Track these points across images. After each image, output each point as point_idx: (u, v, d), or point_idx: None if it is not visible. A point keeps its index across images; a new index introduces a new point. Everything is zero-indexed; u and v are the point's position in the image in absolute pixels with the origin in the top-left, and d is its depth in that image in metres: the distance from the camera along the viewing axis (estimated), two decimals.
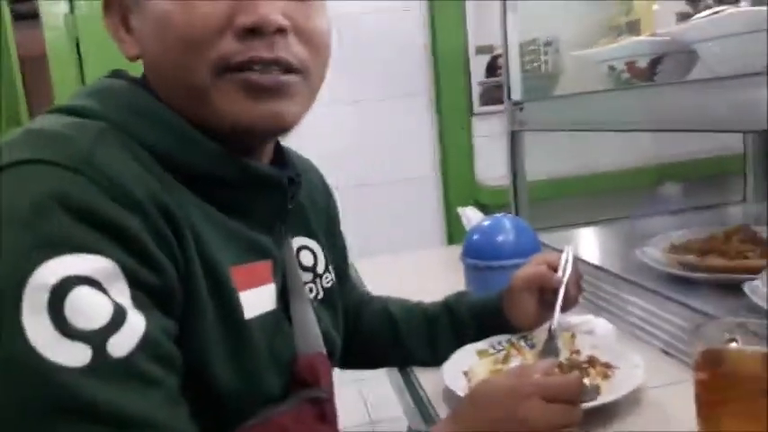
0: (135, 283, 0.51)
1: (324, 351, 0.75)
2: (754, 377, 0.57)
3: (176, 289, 0.56)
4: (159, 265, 0.54)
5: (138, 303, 0.51)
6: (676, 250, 1.07)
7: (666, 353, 0.92)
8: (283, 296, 0.72)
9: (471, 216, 1.27)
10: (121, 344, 0.49)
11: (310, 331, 0.74)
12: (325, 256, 0.84)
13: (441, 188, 3.22)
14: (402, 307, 1.00)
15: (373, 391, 2.69)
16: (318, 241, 0.84)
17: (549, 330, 0.90)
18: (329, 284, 0.84)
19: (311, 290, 0.81)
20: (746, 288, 0.85)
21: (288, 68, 0.62)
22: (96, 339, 0.48)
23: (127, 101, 0.62)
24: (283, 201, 0.71)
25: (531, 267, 0.94)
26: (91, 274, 0.49)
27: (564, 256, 0.93)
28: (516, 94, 1.34)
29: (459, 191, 3.11)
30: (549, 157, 1.76)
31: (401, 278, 1.40)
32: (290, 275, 0.74)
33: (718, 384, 0.58)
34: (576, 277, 0.94)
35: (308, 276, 0.81)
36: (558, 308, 0.90)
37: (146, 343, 0.50)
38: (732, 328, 0.61)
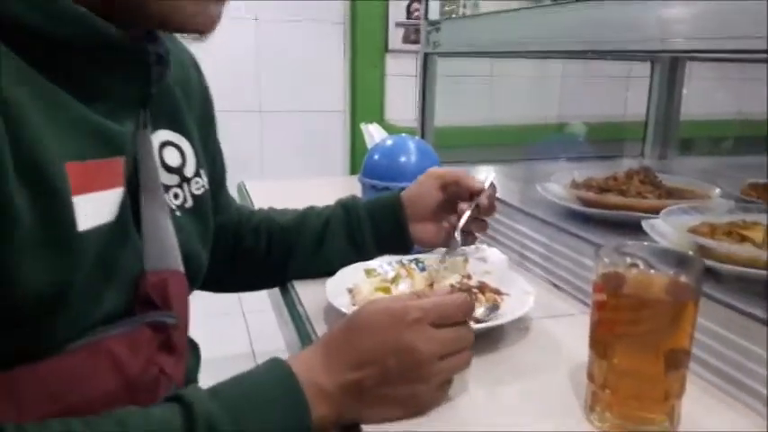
0: None
1: (181, 269, 0.63)
2: (653, 301, 0.54)
3: None
4: None
5: None
6: (577, 187, 1.04)
7: (557, 287, 0.89)
8: (134, 201, 0.59)
9: (374, 133, 1.19)
10: None
11: (165, 245, 0.62)
12: (196, 158, 0.72)
13: (348, 123, 3.14)
14: (288, 215, 0.92)
15: (257, 321, 2.63)
16: (190, 139, 0.71)
17: (455, 231, 0.85)
18: (200, 191, 0.72)
19: (176, 196, 0.68)
20: (645, 225, 0.83)
21: None
22: None
23: None
24: (146, 81, 0.59)
25: (448, 169, 0.88)
26: None
27: (485, 174, 0.88)
28: (434, 14, 1.26)
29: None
30: (456, 108, 1.72)
31: (293, 202, 1.31)
32: (145, 176, 0.62)
33: (615, 306, 0.54)
34: (493, 195, 0.88)
35: (172, 179, 0.68)
36: (467, 212, 0.85)
37: None
38: (634, 253, 0.57)
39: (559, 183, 1.07)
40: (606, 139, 2.13)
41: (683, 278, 0.54)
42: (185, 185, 0.70)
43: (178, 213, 0.67)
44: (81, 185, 0.50)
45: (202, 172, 0.73)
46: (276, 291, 0.95)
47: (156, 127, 0.66)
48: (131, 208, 0.58)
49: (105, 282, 0.54)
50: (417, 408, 0.57)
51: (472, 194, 0.86)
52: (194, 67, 0.79)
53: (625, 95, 2.92)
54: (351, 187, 0.93)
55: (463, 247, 0.91)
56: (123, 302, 0.57)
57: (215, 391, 0.51)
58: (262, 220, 0.92)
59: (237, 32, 2.75)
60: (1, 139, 0.44)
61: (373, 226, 0.89)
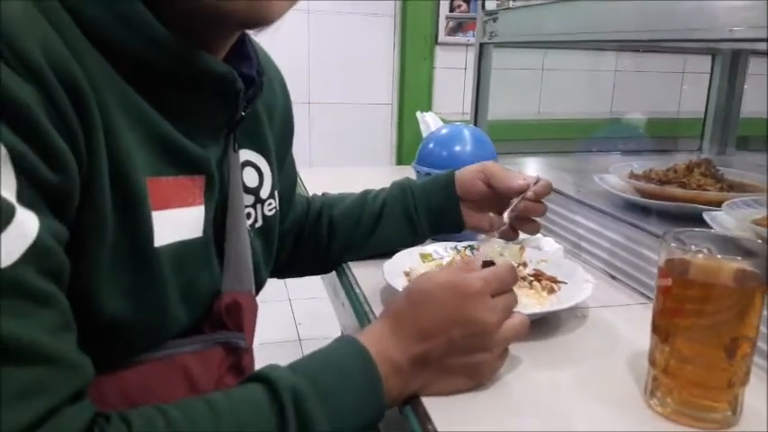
0: (25, 175, 0.39)
1: (253, 290, 0.65)
2: (719, 287, 0.53)
3: (76, 190, 0.43)
4: (59, 157, 0.41)
5: (26, 200, 0.39)
6: (636, 178, 1.03)
7: (614, 277, 0.88)
8: (216, 221, 0.60)
9: (430, 122, 1.19)
10: (6, 251, 0.37)
11: (243, 268, 0.63)
12: (272, 179, 0.73)
13: (395, 115, 3.15)
14: (347, 199, 0.94)
15: (304, 309, 2.67)
16: (269, 160, 0.72)
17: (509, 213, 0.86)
18: (271, 212, 0.73)
19: (249, 215, 0.69)
20: (706, 216, 0.82)
21: None
22: None
23: None
24: (235, 106, 0.59)
25: (493, 165, 0.88)
26: None
27: (535, 173, 0.88)
28: (491, 5, 1.26)
29: (413, 120, 3.05)
30: (508, 101, 1.71)
31: (346, 189, 1.33)
32: (233, 199, 0.63)
33: (680, 292, 0.54)
34: (542, 194, 0.87)
35: (248, 199, 0.69)
36: (515, 202, 0.85)
37: (35, 250, 0.39)
38: (699, 240, 0.57)
39: (618, 174, 1.05)
40: (660, 135, 2.09)
41: (750, 266, 0.53)
42: (259, 206, 0.71)
43: (250, 234, 0.68)
44: (159, 201, 0.51)
45: (276, 193, 0.74)
46: (332, 274, 0.97)
47: (240, 146, 0.66)
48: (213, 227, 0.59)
49: (181, 298, 0.55)
50: (480, 377, 0.58)
51: (518, 192, 0.86)
52: (280, 87, 0.79)
53: (679, 91, 2.86)
54: (401, 176, 0.94)
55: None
56: (195, 320, 0.58)
57: (294, 367, 0.52)
58: (321, 207, 0.94)
59: (290, 24, 2.77)
60: (100, 145, 0.45)
61: (426, 200, 0.90)
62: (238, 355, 0.61)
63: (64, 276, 0.43)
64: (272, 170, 0.73)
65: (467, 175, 0.89)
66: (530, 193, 0.86)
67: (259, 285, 0.71)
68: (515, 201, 0.86)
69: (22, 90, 0.39)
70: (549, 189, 0.87)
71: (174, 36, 0.50)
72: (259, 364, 0.57)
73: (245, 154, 0.69)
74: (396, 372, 0.55)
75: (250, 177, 0.70)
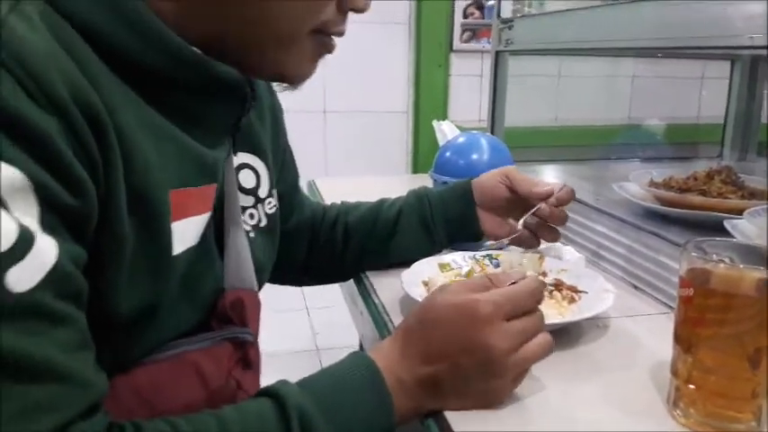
0: (47, 203, 0.41)
1: (255, 288, 0.67)
2: (741, 297, 0.53)
3: (94, 213, 0.45)
4: (78, 184, 0.43)
5: (47, 226, 0.41)
6: (656, 186, 1.03)
7: (635, 287, 0.88)
8: (215, 223, 0.62)
9: (447, 131, 1.20)
10: (25, 277, 0.39)
11: (243, 266, 0.65)
12: (269, 178, 0.75)
13: (410, 123, 3.15)
14: (362, 208, 0.94)
15: (321, 318, 2.67)
16: (265, 160, 0.74)
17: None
18: (272, 210, 0.75)
19: (252, 216, 0.71)
20: (727, 224, 0.81)
21: None
22: None
23: None
24: (242, 110, 0.61)
25: (516, 171, 0.88)
26: None
27: (558, 181, 0.88)
28: (506, 12, 1.26)
29: (429, 128, 3.05)
30: (524, 108, 1.70)
31: (362, 198, 1.34)
32: (230, 201, 0.65)
33: (702, 302, 0.54)
34: (564, 201, 0.86)
35: (248, 201, 0.71)
36: (535, 209, 0.85)
37: (54, 276, 0.41)
38: (721, 249, 0.57)
39: (637, 182, 1.05)
40: (679, 141, 2.07)
41: None
42: (260, 206, 0.73)
43: (252, 234, 0.70)
44: (179, 211, 0.53)
45: (274, 192, 0.76)
46: (350, 283, 0.97)
47: (235, 150, 0.68)
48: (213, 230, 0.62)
49: (188, 299, 0.58)
50: (496, 401, 0.57)
51: (542, 198, 0.86)
52: (265, 84, 0.80)
53: (698, 97, 2.83)
54: (417, 184, 0.95)
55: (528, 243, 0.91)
56: (202, 318, 0.61)
57: (304, 384, 0.53)
58: (337, 214, 0.94)
59: None
60: (117, 171, 0.47)
61: (443, 209, 0.90)
62: (245, 349, 0.63)
63: (82, 297, 0.45)
64: (268, 168, 0.75)
65: (488, 180, 0.89)
66: (553, 200, 0.85)
67: (264, 281, 0.73)
68: (536, 207, 0.85)
69: (46, 122, 0.41)
70: (572, 196, 0.87)
71: (187, 45, 0.52)
72: (277, 372, 0.58)
73: (241, 156, 0.71)
74: (404, 391, 0.55)
75: (247, 179, 0.72)
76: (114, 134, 0.46)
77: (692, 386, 0.55)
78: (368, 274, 0.91)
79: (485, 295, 0.56)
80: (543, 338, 0.57)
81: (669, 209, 0.95)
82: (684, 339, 0.55)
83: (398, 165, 3.16)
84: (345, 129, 3.05)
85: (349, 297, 1.06)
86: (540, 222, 0.87)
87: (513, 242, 0.90)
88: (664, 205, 0.97)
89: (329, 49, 0.60)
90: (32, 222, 0.40)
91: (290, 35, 0.55)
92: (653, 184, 1.04)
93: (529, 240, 0.89)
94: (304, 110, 2.83)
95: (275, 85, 0.76)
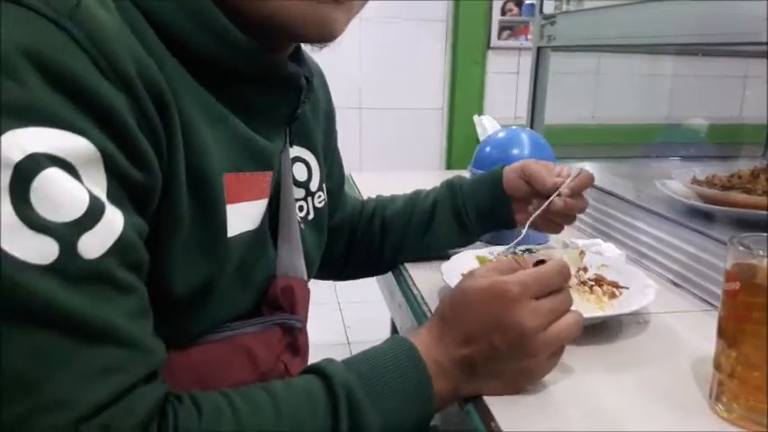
0: (114, 175, 0.43)
1: (305, 277, 0.69)
2: None
3: (157, 188, 0.47)
4: (144, 158, 0.45)
5: (114, 198, 0.43)
6: (699, 184, 1.02)
7: (676, 284, 0.87)
8: (270, 212, 0.64)
9: (487, 125, 1.20)
10: (94, 244, 0.41)
11: (295, 255, 0.67)
12: (320, 173, 0.77)
13: (446, 120, 3.15)
14: (398, 201, 0.95)
15: (352, 313, 2.70)
16: (317, 155, 0.76)
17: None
18: (321, 204, 0.77)
19: (301, 208, 0.73)
20: None
21: None
22: (66, 235, 0.39)
23: None
24: (297, 103, 0.63)
25: (529, 162, 0.88)
26: (65, 156, 0.40)
27: (575, 169, 0.86)
28: (549, 8, 1.26)
29: (463, 125, 3.05)
30: (562, 105, 1.68)
31: (398, 192, 1.35)
32: (285, 191, 0.67)
33: (747, 296, 0.54)
34: (580, 188, 0.85)
35: (299, 193, 0.73)
36: (540, 208, 0.84)
37: (120, 245, 0.42)
38: (766, 245, 0.56)
39: (680, 180, 1.04)
40: (721, 140, 2.03)
41: None
42: (310, 199, 0.75)
43: (302, 225, 0.72)
44: (234, 195, 0.55)
45: (324, 186, 0.78)
46: (387, 276, 0.98)
47: (291, 143, 0.70)
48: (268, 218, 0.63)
49: (242, 283, 0.60)
50: (532, 380, 0.59)
51: (553, 189, 0.84)
52: (321, 81, 0.82)
53: (740, 96, 2.78)
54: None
55: (576, 242, 0.91)
56: (253, 302, 0.63)
57: (348, 363, 0.54)
58: (374, 208, 0.96)
59: None
60: (179, 150, 0.49)
61: (476, 199, 0.90)
62: (294, 335, 0.65)
63: (143, 267, 0.46)
64: (319, 164, 0.77)
65: (510, 174, 0.89)
66: (565, 190, 0.84)
67: (310, 274, 0.74)
68: (548, 201, 0.84)
69: (116, 98, 0.43)
70: (589, 182, 0.85)
71: (248, 39, 0.53)
72: (310, 361, 0.59)
73: (295, 150, 0.73)
74: (442, 373, 0.56)
75: (300, 172, 0.74)
76: (177, 113, 0.48)
77: (735, 381, 0.54)
78: (406, 266, 0.92)
79: (512, 276, 0.57)
80: (573, 317, 0.58)
81: (712, 206, 0.94)
82: (729, 334, 0.55)
83: (432, 161, 3.16)
84: (381, 125, 3.07)
85: (386, 289, 1.08)
86: (558, 211, 0.85)
87: (534, 226, 0.88)
88: (707, 203, 0.96)
89: None
90: (101, 193, 0.42)
91: None
92: (696, 181, 1.03)
93: (551, 226, 0.88)
94: (339, 106, 2.85)
95: (308, 48, 0.68)
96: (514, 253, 0.88)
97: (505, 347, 0.55)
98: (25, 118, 0.39)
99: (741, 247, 0.55)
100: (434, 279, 0.82)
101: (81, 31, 0.41)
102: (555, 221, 0.87)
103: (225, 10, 0.52)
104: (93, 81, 0.41)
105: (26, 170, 0.38)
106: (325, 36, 0.56)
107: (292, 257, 0.67)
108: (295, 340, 0.66)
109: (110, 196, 0.42)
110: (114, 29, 0.44)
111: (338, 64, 2.97)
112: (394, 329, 1.51)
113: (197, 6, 0.51)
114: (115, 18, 0.45)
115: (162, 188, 0.48)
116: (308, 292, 0.69)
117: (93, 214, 0.41)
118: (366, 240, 0.94)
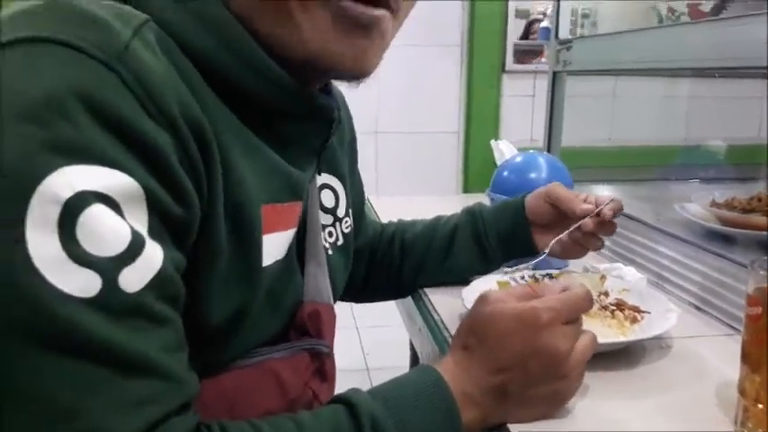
0: (155, 211, 0.44)
1: (332, 302, 0.69)
2: None
3: (196, 223, 0.48)
4: (184, 195, 0.46)
5: (155, 233, 0.44)
6: (718, 207, 1.02)
7: (697, 308, 0.87)
8: (297, 239, 0.65)
9: (504, 150, 1.21)
10: (135, 278, 0.42)
11: (321, 281, 0.68)
12: (346, 199, 0.78)
13: (461, 144, 3.16)
14: (418, 226, 0.96)
15: (371, 337, 2.69)
16: (343, 182, 0.78)
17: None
18: (348, 230, 0.78)
19: (330, 234, 0.74)
20: None
21: (378, 2, 0.53)
22: (109, 270, 0.40)
23: None
24: (328, 134, 0.64)
25: (558, 187, 0.88)
26: (110, 193, 0.41)
27: (606, 198, 0.86)
28: (564, 33, 1.27)
29: (479, 148, 3.06)
30: (579, 128, 1.69)
31: (416, 216, 1.36)
32: (312, 219, 0.68)
33: None
34: (610, 215, 0.84)
35: (327, 219, 0.74)
36: (570, 228, 0.84)
37: (159, 279, 0.43)
38: None
39: (699, 203, 1.04)
40: (740, 162, 2.02)
41: None
42: (337, 225, 0.76)
43: (330, 252, 0.73)
44: (269, 226, 0.56)
45: (350, 211, 0.79)
46: (407, 300, 0.99)
47: (319, 171, 0.71)
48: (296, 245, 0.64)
49: (272, 309, 0.60)
50: (562, 403, 0.59)
51: (581, 216, 0.84)
52: (344, 108, 0.83)
53: (759, 117, 2.76)
54: (470, 204, 0.96)
55: (596, 266, 0.91)
56: (282, 327, 0.63)
57: (374, 393, 0.54)
58: (394, 231, 0.96)
59: None
60: (218, 185, 0.50)
61: (497, 226, 0.91)
62: (321, 360, 0.65)
63: (180, 300, 0.48)
64: (345, 190, 0.78)
65: (533, 199, 0.90)
66: (608, 212, 0.83)
67: (335, 298, 0.74)
68: (577, 224, 0.84)
69: (161, 137, 0.44)
70: (618, 209, 0.85)
71: (288, 75, 0.55)
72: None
73: (324, 177, 0.74)
74: (472, 403, 0.56)
75: (328, 198, 0.75)
76: (217, 150, 0.50)
77: (760, 406, 0.54)
78: (426, 290, 0.93)
79: (541, 302, 0.58)
80: (588, 336, 0.60)
81: (732, 229, 0.94)
82: (752, 359, 0.55)
83: (448, 185, 3.17)
84: (396, 149, 3.09)
85: (405, 314, 1.08)
86: (586, 234, 0.85)
87: (554, 254, 0.89)
88: (726, 226, 0.96)
89: (349, 13, 0.52)
90: (142, 228, 0.43)
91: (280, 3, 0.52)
92: (715, 204, 1.03)
93: (576, 249, 0.88)
94: (356, 131, 2.87)
95: (339, 84, 0.70)
96: (535, 278, 0.88)
97: (540, 372, 0.56)
98: (75, 156, 0.40)
99: (762, 272, 0.55)
100: (454, 304, 0.82)
101: (129, 73, 0.43)
102: (583, 245, 0.87)
103: (265, 46, 0.53)
104: (139, 121, 0.43)
105: (74, 207, 0.39)
106: (362, 72, 0.57)
107: (318, 283, 0.67)
108: (323, 365, 0.66)
109: (150, 231, 0.44)
110: (160, 71, 0.46)
111: (354, 89, 3.02)
112: (413, 353, 1.51)
113: (238, 44, 0.52)
114: (161, 60, 0.46)
115: (201, 222, 0.49)
116: (334, 316, 0.70)
117: (134, 249, 0.42)
118: (386, 263, 0.95)
